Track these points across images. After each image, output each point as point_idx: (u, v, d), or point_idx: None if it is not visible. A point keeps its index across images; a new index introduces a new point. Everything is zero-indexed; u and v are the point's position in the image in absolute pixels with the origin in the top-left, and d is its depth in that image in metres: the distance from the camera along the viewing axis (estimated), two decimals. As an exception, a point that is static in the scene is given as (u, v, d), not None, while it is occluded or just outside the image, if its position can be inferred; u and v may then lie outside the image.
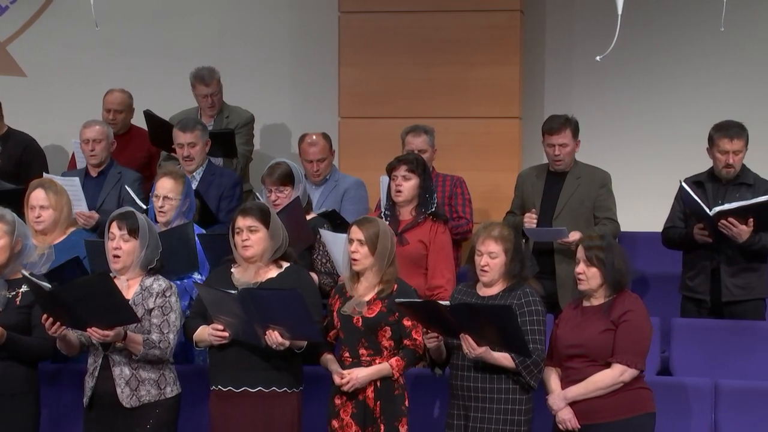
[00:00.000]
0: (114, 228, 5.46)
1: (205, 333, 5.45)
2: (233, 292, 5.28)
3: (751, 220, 6.36)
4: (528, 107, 8.47)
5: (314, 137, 7.31)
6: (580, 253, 5.46)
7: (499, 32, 8.20)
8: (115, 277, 5.43)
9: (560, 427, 5.42)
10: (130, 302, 5.33)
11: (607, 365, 5.36)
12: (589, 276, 5.43)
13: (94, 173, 7.43)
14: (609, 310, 5.40)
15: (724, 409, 6.09)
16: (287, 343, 5.29)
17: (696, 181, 6.69)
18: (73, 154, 8.12)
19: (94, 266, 6.04)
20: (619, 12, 5.71)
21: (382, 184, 6.76)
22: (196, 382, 5.70)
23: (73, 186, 6.88)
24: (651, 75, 8.59)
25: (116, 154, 7.62)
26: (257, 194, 6.89)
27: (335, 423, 5.52)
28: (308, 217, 6.43)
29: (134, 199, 6.88)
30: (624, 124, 8.65)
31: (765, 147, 7.94)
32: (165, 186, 6.39)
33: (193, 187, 7.07)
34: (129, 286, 5.45)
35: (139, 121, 8.15)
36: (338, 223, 6.43)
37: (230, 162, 7.87)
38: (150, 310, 5.40)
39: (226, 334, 5.37)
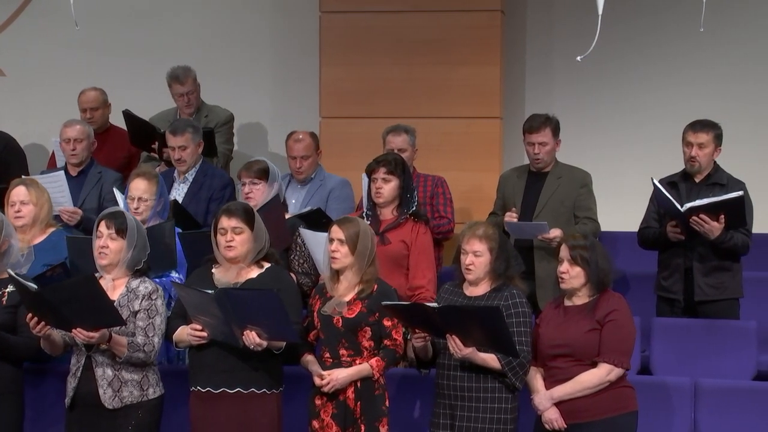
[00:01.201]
0: (102, 227, 5.44)
1: (184, 333, 5.44)
2: (210, 292, 5.26)
3: (722, 216, 6.39)
4: (509, 107, 8.48)
5: (301, 135, 7.36)
6: (564, 252, 5.45)
7: (480, 32, 8.20)
8: (100, 277, 5.40)
9: (546, 426, 5.41)
10: (115, 303, 5.31)
11: (592, 364, 5.36)
12: (572, 275, 5.42)
13: (74, 172, 7.40)
14: (593, 309, 5.40)
15: (704, 408, 6.12)
16: (265, 343, 5.28)
17: (670, 182, 6.72)
18: (53, 153, 8.09)
19: (74, 261, 6.01)
20: (600, 12, 5.72)
21: (364, 182, 6.75)
22: (178, 383, 5.67)
23: (57, 181, 6.85)
24: (631, 75, 8.61)
25: (95, 152, 7.59)
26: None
27: (315, 423, 5.51)
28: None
29: (119, 201, 6.83)
30: (605, 124, 8.67)
31: (746, 146, 7.99)
32: (139, 187, 6.39)
33: (185, 187, 7.11)
34: (115, 287, 5.42)
35: (118, 120, 8.12)
36: (324, 222, 6.41)
37: (210, 161, 7.86)
38: (135, 313, 5.37)
39: (204, 334, 5.36)
